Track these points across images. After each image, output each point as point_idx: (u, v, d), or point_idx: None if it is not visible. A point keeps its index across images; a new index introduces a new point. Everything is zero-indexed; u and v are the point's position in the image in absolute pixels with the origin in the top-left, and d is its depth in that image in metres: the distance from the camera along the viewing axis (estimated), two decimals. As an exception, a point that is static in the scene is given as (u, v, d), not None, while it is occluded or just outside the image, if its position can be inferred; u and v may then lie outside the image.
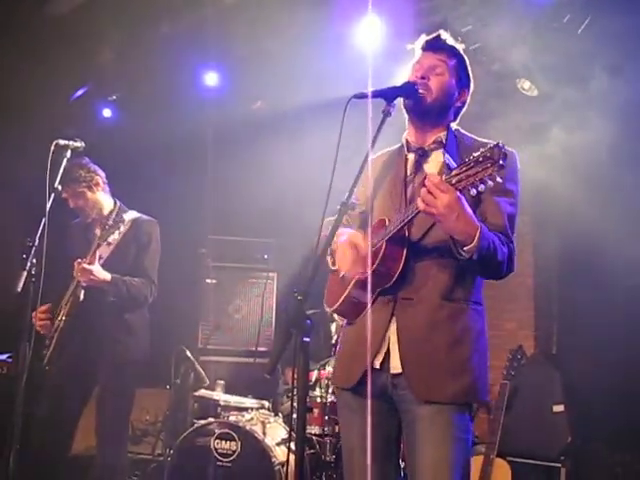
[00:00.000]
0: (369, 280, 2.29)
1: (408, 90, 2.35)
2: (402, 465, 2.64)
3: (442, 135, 2.44)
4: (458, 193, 2.06)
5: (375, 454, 2.33)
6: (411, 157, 2.48)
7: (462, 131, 2.51)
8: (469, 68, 2.52)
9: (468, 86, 2.52)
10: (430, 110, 2.40)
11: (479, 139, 2.46)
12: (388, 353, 2.32)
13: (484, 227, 2.16)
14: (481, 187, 1.99)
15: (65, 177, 3.90)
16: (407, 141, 2.50)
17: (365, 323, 2.35)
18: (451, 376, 2.25)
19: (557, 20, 4.68)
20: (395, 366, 2.30)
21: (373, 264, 2.27)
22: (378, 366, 2.33)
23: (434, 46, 2.45)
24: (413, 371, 2.26)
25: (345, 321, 2.54)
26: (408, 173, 2.46)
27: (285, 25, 5.33)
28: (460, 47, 2.50)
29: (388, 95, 2.28)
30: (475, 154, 1.99)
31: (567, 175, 4.76)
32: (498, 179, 1.96)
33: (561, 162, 4.79)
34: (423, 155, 2.44)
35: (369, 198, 2.51)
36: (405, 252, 2.27)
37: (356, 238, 2.33)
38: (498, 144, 1.96)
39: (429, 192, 2.07)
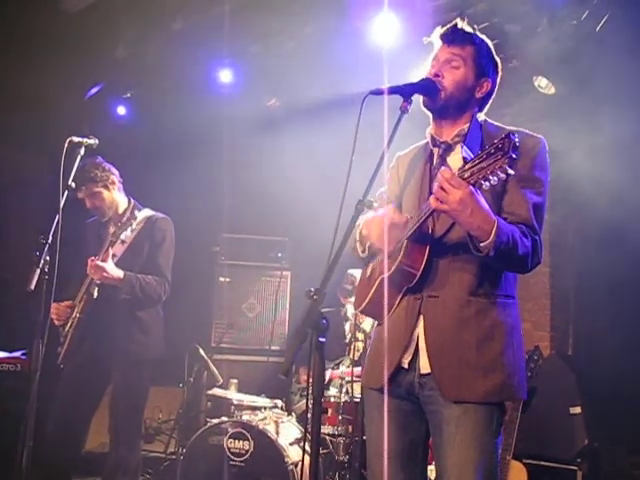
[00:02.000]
0: (385, 282, 2.26)
1: (425, 87, 2.31)
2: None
3: (465, 127, 2.37)
4: (472, 188, 2.01)
5: (401, 458, 2.30)
6: (436, 151, 2.43)
7: (489, 121, 2.43)
8: (492, 53, 2.42)
9: (490, 74, 2.40)
10: (447, 107, 2.34)
11: (506, 127, 2.38)
12: (417, 352, 2.28)
13: (501, 222, 2.10)
14: (493, 180, 1.92)
15: (81, 177, 3.90)
16: (432, 136, 2.44)
17: (393, 323, 2.32)
18: (482, 374, 2.18)
19: (575, 17, 4.62)
20: (424, 366, 2.25)
21: (394, 264, 2.22)
22: (406, 365, 2.29)
23: (449, 38, 2.38)
24: (442, 371, 2.20)
25: (376, 322, 2.50)
26: (433, 168, 2.41)
27: (300, 22, 5.31)
28: (478, 33, 2.41)
29: (405, 92, 2.24)
30: (487, 146, 1.93)
31: (584, 176, 4.69)
32: (510, 171, 1.89)
33: (581, 159, 4.73)
34: (447, 149, 2.39)
35: (398, 197, 2.48)
36: (428, 249, 2.22)
37: (391, 211, 2.28)
38: (509, 134, 1.88)
39: (441, 188, 2.03)
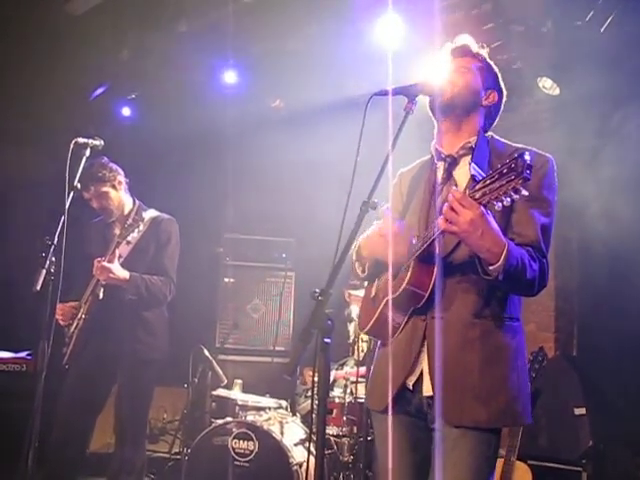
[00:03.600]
0: (389, 304, 2.22)
1: (430, 86, 2.30)
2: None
3: (472, 140, 2.34)
4: (483, 209, 1.97)
5: (411, 476, 2.29)
6: (441, 166, 2.40)
7: (496, 137, 2.41)
8: (499, 76, 2.44)
9: (496, 89, 2.42)
10: (453, 105, 2.33)
11: (513, 144, 2.36)
12: (421, 374, 2.25)
13: (512, 245, 2.07)
14: (506, 201, 1.87)
15: (88, 177, 3.92)
16: (436, 150, 2.41)
17: (398, 344, 2.30)
18: (485, 400, 2.14)
19: (580, 17, 4.61)
20: (426, 389, 2.23)
21: (401, 286, 2.19)
22: (411, 387, 2.27)
23: (459, 52, 2.41)
24: (444, 395, 2.15)
25: (379, 342, 2.47)
26: (438, 183, 2.37)
27: (304, 23, 5.32)
28: (485, 53, 2.44)
29: (410, 92, 2.23)
30: (499, 165, 1.89)
31: (589, 177, 4.68)
32: (524, 192, 1.84)
33: (584, 163, 4.73)
34: (452, 163, 2.35)
35: (401, 213, 2.44)
36: (435, 270, 2.18)
37: (383, 225, 2.26)
38: (522, 154, 1.83)
39: (451, 209, 1.99)
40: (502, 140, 2.40)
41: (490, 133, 2.42)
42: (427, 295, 2.18)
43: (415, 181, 2.48)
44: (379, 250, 2.27)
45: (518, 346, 2.24)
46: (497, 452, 2.24)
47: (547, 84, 5.13)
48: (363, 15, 5.07)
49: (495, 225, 2.03)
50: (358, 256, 2.45)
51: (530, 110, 5.39)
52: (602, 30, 4.60)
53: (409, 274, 2.18)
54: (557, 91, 5.12)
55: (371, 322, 2.37)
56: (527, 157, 1.83)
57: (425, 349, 2.23)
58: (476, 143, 2.33)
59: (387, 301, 2.27)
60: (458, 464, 2.15)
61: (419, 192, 2.42)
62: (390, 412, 2.27)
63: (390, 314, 2.28)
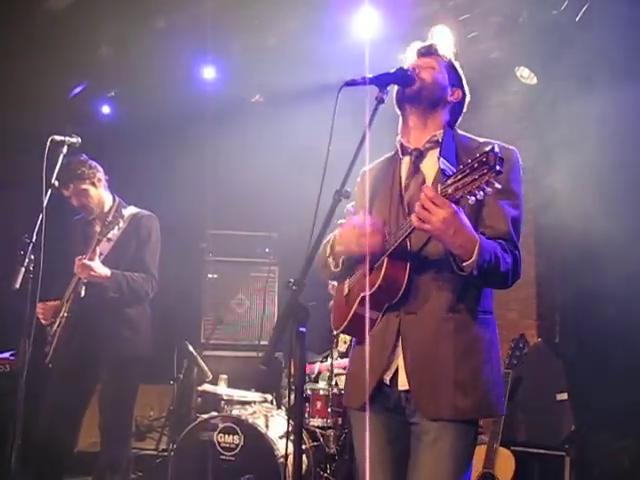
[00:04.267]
0: (367, 300, 2.22)
1: (400, 76, 2.32)
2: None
3: (438, 134, 2.36)
4: (455, 207, 1.99)
5: (391, 470, 2.31)
6: (406, 160, 2.40)
7: (460, 132, 2.43)
8: (463, 79, 2.47)
9: (461, 88, 2.45)
10: (420, 96, 2.34)
11: (477, 139, 2.38)
12: (397, 369, 2.26)
13: (484, 240, 2.08)
14: (479, 195, 1.88)
15: (67, 175, 3.91)
16: (401, 145, 2.42)
17: (373, 341, 2.30)
18: (461, 392, 2.16)
19: (555, 6, 4.65)
20: (402, 383, 2.24)
21: (376, 283, 2.19)
22: (388, 382, 2.28)
23: (426, 51, 2.44)
24: (420, 389, 2.19)
25: (354, 341, 2.48)
26: (404, 177, 2.38)
27: (282, 17, 5.32)
28: (452, 54, 2.47)
29: (381, 82, 2.25)
30: (470, 160, 1.89)
31: (568, 164, 4.73)
32: (497, 185, 1.86)
33: (560, 152, 4.77)
34: (419, 156, 2.36)
35: (367, 209, 2.41)
36: (409, 266, 2.19)
37: (354, 218, 2.27)
38: (493, 148, 1.85)
39: (423, 207, 1.99)
40: (467, 135, 2.42)
41: (454, 129, 2.44)
42: (402, 291, 2.19)
43: (379, 177, 2.47)
44: (354, 245, 2.26)
45: (491, 339, 2.27)
46: (476, 440, 2.27)
47: (525, 73, 5.17)
48: (340, 9, 5.08)
49: (467, 221, 2.05)
50: (332, 251, 2.43)
51: (508, 100, 5.42)
52: (577, 19, 4.64)
53: (383, 271, 2.17)
54: (534, 80, 5.16)
55: (346, 321, 2.36)
56: (498, 151, 1.84)
57: (400, 344, 2.24)
58: (443, 137, 2.34)
59: (362, 298, 2.26)
60: (440, 457, 2.17)
61: (385, 187, 2.41)
62: (367, 409, 2.28)
63: (367, 310, 2.28)
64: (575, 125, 4.82)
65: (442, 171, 2.09)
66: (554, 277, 5.73)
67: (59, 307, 4.00)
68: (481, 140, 2.36)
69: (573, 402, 4.82)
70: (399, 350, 2.24)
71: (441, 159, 2.18)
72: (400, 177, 2.39)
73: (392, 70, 2.32)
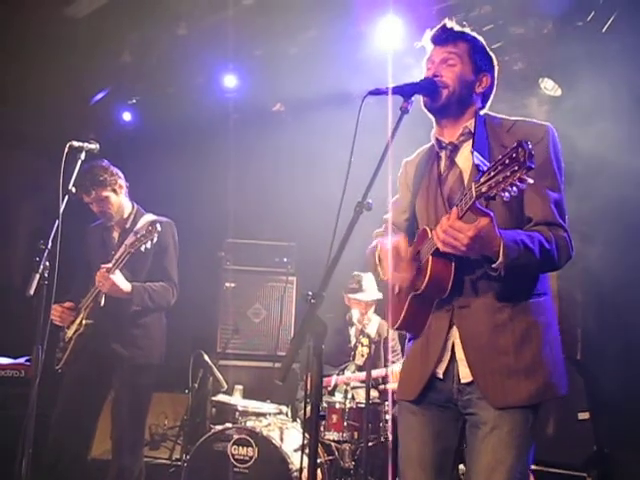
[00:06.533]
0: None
1: (425, 87, 2.29)
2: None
3: (470, 124, 2.34)
4: (474, 227, 1.99)
5: (432, 466, 2.30)
6: (443, 154, 2.41)
7: (491, 114, 2.40)
8: (486, 49, 2.41)
9: (488, 69, 2.39)
10: (448, 104, 2.32)
11: (509, 118, 2.35)
12: (453, 362, 2.28)
13: (509, 238, 2.06)
14: (513, 192, 1.87)
15: (89, 181, 3.90)
16: (437, 139, 2.42)
17: (425, 336, 2.34)
18: (524, 378, 2.17)
19: (581, 18, 4.58)
20: (464, 375, 2.25)
21: (423, 282, 2.22)
22: (441, 375, 2.30)
23: (441, 39, 2.37)
24: (485, 380, 2.20)
25: (408, 336, 2.50)
26: (442, 171, 2.39)
27: (304, 26, 5.30)
28: (468, 30, 2.40)
29: (405, 92, 2.22)
30: (501, 155, 1.88)
31: (594, 174, 4.63)
32: (530, 181, 1.84)
33: (587, 158, 4.67)
34: (454, 150, 2.37)
35: (411, 203, 2.47)
36: (454, 263, 2.20)
37: (398, 243, 2.32)
38: (522, 143, 1.82)
39: (446, 233, 2.04)
40: (498, 116, 2.40)
41: (484, 111, 2.41)
42: (449, 287, 2.21)
43: (419, 170, 2.49)
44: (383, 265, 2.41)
45: (548, 321, 2.26)
46: (535, 427, 2.23)
47: (549, 85, 5.10)
48: (363, 18, 5.05)
49: (490, 230, 2.02)
50: (379, 260, 2.49)
51: (532, 112, 5.34)
52: (603, 31, 4.57)
53: (429, 269, 2.20)
54: (559, 92, 5.09)
55: (400, 318, 2.38)
56: (527, 145, 1.82)
57: (454, 337, 2.26)
58: (474, 127, 2.32)
59: (412, 297, 2.30)
60: (498, 445, 2.17)
61: (424, 182, 2.43)
62: (416, 401, 2.33)
63: (418, 309, 2.33)
64: (600, 138, 4.73)
65: (477, 167, 2.12)
66: (576, 293, 5.63)
67: (75, 312, 3.98)
68: (513, 119, 2.35)
69: (595, 421, 4.71)
70: (450, 344, 2.28)
71: (475, 153, 2.20)
72: (439, 172, 2.40)
73: (417, 80, 2.30)
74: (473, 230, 2.00)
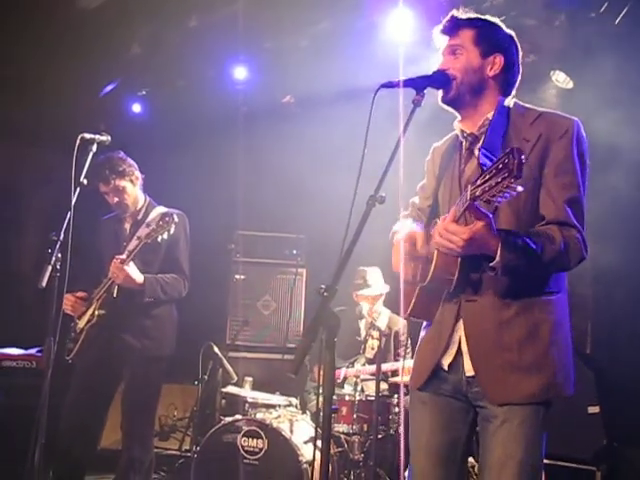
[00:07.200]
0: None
1: (437, 79, 2.28)
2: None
3: (490, 115, 2.29)
4: (469, 229, 2.01)
5: (439, 455, 2.30)
6: (464, 144, 2.38)
7: (519, 103, 2.33)
8: (498, 29, 2.34)
9: (500, 49, 2.31)
10: (460, 95, 2.29)
11: (536, 109, 2.28)
12: (459, 355, 2.27)
13: (507, 241, 2.04)
14: (505, 197, 1.85)
15: (108, 171, 3.92)
16: (460, 129, 2.39)
17: (433, 326, 2.36)
18: (526, 375, 2.14)
19: (593, 9, 4.54)
20: (468, 369, 2.24)
21: (428, 274, 2.22)
22: (446, 367, 2.29)
23: (446, 30, 2.34)
24: (486, 375, 2.19)
25: (425, 323, 2.48)
26: (462, 161, 2.36)
27: (314, 18, 5.28)
28: (475, 15, 2.35)
29: (418, 84, 2.20)
30: (494, 161, 1.86)
31: (605, 168, 4.60)
32: (519, 189, 1.82)
33: (600, 152, 4.64)
34: (474, 141, 2.33)
35: (435, 189, 2.45)
36: (460, 258, 2.18)
37: (414, 233, 2.33)
38: (513, 151, 1.79)
39: (441, 236, 2.06)
40: (525, 106, 2.32)
41: (512, 100, 2.34)
42: (455, 280, 2.20)
43: (446, 156, 2.47)
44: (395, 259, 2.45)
45: (558, 319, 2.21)
46: (546, 422, 2.20)
47: (560, 78, 5.07)
48: (373, 10, 5.02)
49: (487, 231, 2.02)
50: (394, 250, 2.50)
51: (543, 105, 5.32)
52: (617, 22, 4.53)
53: (434, 261, 2.19)
54: (570, 85, 5.05)
55: (411, 305, 2.38)
56: (520, 154, 1.79)
57: (461, 330, 2.25)
58: (493, 118, 2.27)
59: (421, 288, 2.31)
60: (508, 440, 2.15)
61: (448, 170, 2.41)
62: (424, 389, 2.34)
63: (427, 299, 2.33)
64: (611, 130, 4.70)
65: (481, 166, 2.09)
66: (586, 287, 5.60)
67: (88, 303, 4.00)
68: (539, 110, 2.28)
69: (605, 415, 4.70)
70: (456, 336, 2.26)
71: (482, 151, 2.17)
72: (460, 161, 2.37)
73: (429, 73, 2.28)
74: (468, 233, 2.01)
